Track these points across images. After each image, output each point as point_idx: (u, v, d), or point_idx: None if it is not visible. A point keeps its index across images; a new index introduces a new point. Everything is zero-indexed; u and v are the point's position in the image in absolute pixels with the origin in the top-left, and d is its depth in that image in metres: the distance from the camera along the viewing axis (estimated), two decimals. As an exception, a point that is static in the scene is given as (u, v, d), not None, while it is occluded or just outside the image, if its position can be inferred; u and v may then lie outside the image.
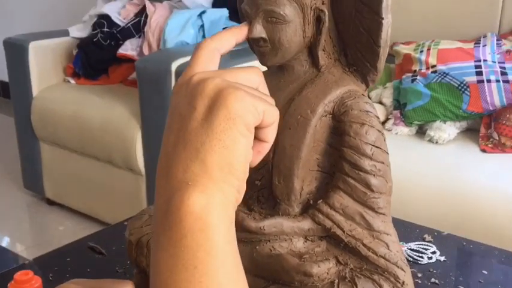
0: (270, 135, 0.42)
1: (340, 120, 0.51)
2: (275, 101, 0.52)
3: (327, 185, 0.53)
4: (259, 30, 0.50)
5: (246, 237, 0.53)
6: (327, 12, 0.51)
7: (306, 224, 0.52)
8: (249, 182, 0.55)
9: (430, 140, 1.63)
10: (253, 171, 0.55)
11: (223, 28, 1.71)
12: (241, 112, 0.38)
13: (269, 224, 0.51)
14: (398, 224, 0.87)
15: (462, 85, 1.62)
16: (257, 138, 0.42)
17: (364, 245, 0.50)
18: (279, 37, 0.50)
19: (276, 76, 0.55)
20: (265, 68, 0.57)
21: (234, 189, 0.38)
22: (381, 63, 0.51)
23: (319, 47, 0.52)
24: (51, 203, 2.37)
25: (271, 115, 0.41)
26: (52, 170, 2.29)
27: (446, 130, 1.61)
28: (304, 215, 0.52)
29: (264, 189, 0.55)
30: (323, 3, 0.51)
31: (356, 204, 0.50)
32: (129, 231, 0.60)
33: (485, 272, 0.76)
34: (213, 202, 0.36)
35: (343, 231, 0.51)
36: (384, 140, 0.51)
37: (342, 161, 0.51)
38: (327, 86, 0.52)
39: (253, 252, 0.52)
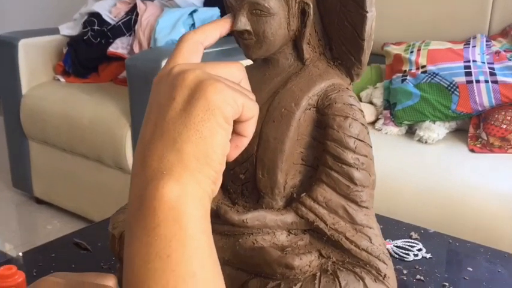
0: (249, 129, 0.42)
1: (324, 114, 0.51)
2: (259, 93, 0.52)
3: (310, 178, 0.53)
4: (244, 23, 0.50)
5: (228, 230, 0.53)
6: (311, 5, 0.51)
7: (289, 217, 0.52)
8: (233, 176, 0.55)
9: (420, 140, 1.63)
10: (238, 164, 0.55)
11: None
12: (220, 104, 0.38)
13: (252, 217, 0.51)
14: (385, 221, 0.88)
15: (451, 85, 1.63)
16: (236, 133, 0.42)
17: (346, 238, 0.50)
18: (264, 30, 0.50)
19: (260, 69, 0.55)
20: (249, 62, 0.57)
21: (210, 180, 0.38)
22: (365, 57, 0.51)
23: (303, 40, 0.52)
24: (39, 201, 2.35)
25: (250, 109, 0.41)
26: (41, 168, 2.27)
27: (436, 130, 1.61)
28: (288, 208, 0.52)
29: (248, 183, 0.54)
30: (308, -4, 0.51)
31: (339, 197, 0.50)
32: (112, 225, 0.60)
33: (471, 269, 0.77)
34: (187, 192, 0.36)
35: (326, 225, 0.51)
36: (368, 134, 0.51)
37: (325, 154, 0.51)
38: (311, 79, 0.52)
39: (235, 245, 0.52)
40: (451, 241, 0.85)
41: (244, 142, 0.43)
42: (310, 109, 0.52)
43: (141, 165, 0.38)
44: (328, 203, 0.50)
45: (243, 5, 0.50)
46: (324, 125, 0.51)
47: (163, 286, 0.34)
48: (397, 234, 0.85)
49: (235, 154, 0.43)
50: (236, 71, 0.43)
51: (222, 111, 0.38)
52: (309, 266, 0.49)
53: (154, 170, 0.37)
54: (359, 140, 0.50)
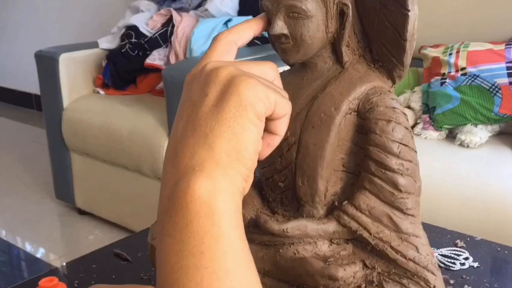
0: (281, 127, 0.42)
1: (366, 118, 0.49)
2: (298, 99, 0.51)
3: (352, 185, 0.51)
4: (281, 26, 0.49)
5: (269, 240, 0.51)
6: (350, 6, 0.49)
7: (331, 226, 0.50)
8: (272, 184, 0.54)
9: (461, 144, 1.58)
10: (276, 172, 0.53)
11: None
12: (253, 100, 0.38)
13: (293, 227, 0.50)
14: (429, 229, 0.84)
15: (493, 87, 1.57)
16: (267, 131, 0.41)
17: (392, 247, 0.48)
18: (301, 33, 0.49)
19: (298, 74, 0.53)
20: (286, 68, 0.56)
21: (241, 177, 0.38)
22: (408, 58, 0.49)
23: (343, 42, 0.50)
24: (81, 212, 2.39)
25: (283, 107, 0.40)
26: (82, 179, 2.31)
27: (478, 133, 1.56)
28: (329, 217, 0.51)
29: (288, 191, 0.53)
30: (346, -3, 0.49)
31: (383, 205, 0.48)
32: (151, 235, 0.59)
33: (522, 279, 0.73)
34: (219, 187, 0.36)
35: (370, 234, 0.48)
36: (412, 138, 0.49)
37: (367, 160, 0.49)
38: (351, 83, 0.50)
39: (276, 256, 0.51)
40: (499, 249, 0.81)
41: (276, 140, 0.42)
42: (350, 113, 0.50)
43: (172, 161, 0.38)
44: (372, 211, 0.48)
45: (280, 8, 0.49)
46: (365, 129, 0.49)
47: (197, 283, 0.33)
48: (441, 242, 0.82)
49: (267, 152, 0.42)
50: (269, 70, 0.43)
51: (254, 107, 0.38)
52: (353, 277, 0.47)
53: (186, 166, 0.37)
54: (403, 144, 0.48)
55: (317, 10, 0.49)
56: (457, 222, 1.29)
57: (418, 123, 1.71)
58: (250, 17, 2.11)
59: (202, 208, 0.35)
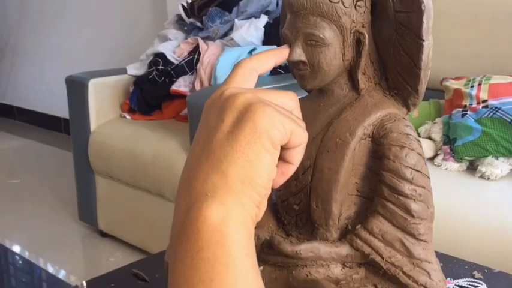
0: (296, 157, 0.42)
1: (380, 143, 0.50)
2: (314, 123, 0.52)
3: (366, 210, 0.51)
4: (299, 53, 0.51)
5: (282, 261, 0.52)
6: (366, 35, 0.51)
7: (344, 249, 0.50)
8: (287, 207, 0.55)
9: (482, 176, 1.57)
10: (291, 195, 0.54)
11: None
12: (268, 127, 0.38)
13: (306, 248, 0.50)
14: (446, 259, 0.84)
15: (515, 120, 1.56)
16: (283, 159, 0.41)
17: (404, 272, 0.48)
18: (319, 60, 0.51)
19: (315, 100, 0.55)
20: (304, 94, 0.57)
21: (254, 204, 0.38)
22: (422, 86, 0.51)
23: (359, 70, 0.52)
24: (103, 234, 2.42)
25: (299, 136, 0.40)
26: (106, 202, 2.34)
27: (499, 166, 1.55)
28: (342, 240, 0.51)
29: (302, 214, 0.54)
30: (363, 26, 0.51)
31: (396, 230, 0.49)
32: (168, 253, 0.61)
33: (542, 313, 0.72)
34: (231, 214, 0.36)
35: (382, 258, 0.49)
36: (425, 164, 0.50)
37: (381, 185, 0.49)
38: (367, 109, 0.51)
39: (289, 277, 0.51)
40: (518, 282, 0.80)
41: (290, 170, 0.42)
42: (365, 139, 0.51)
43: (185, 186, 0.38)
44: (384, 235, 0.49)
45: (298, 36, 0.50)
46: (379, 155, 0.50)
47: None
48: (458, 273, 0.81)
49: (281, 181, 0.42)
50: (289, 99, 0.43)
51: (270, 135, 0.38)
52: (364, 300, 0.48)
53: (199, 191, 0.37)
54: (416, 170, 0.49)
55: (334, 38, 0.50)
56: (475, 253, 1.26)
57: (439, 154, 1.70)
58: (274, 46, 2.15)
59: (214, 235, 0.35)
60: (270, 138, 0.38)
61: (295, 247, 0.50)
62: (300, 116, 0.44)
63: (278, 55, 0.49)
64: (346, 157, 0.51)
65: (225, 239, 0.35)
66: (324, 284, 0.49)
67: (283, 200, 0.55)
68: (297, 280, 0.51)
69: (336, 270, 0.51)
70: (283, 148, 0.40)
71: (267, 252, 0.52)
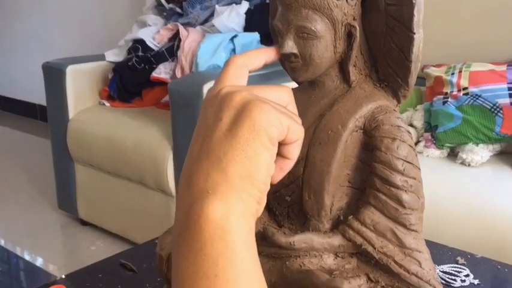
0: (294, 152, 0.43)
1: (371, 135, 0.51)
2: (306, 116, 0.53)
3: (357, 201, 0.52)
4: (291, 46, 0.51)
5: (275, 252, 0.53)
6: (358, 28, 0.51)
7: (336, 240, 0.51)
8: (279, 198, 0.55)
9: (462, 163, 1.60)
10: (284, 187, 0.55)
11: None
12: (266, 124, 0.39)
13: (299, 240, 0.51)
14: (430, 246, 0.85)
15: (495, 107, 1.59)
16: (280, 155, 0.42)
17: (395, 262, 0.49)
18: (310, 52, 0.51)
19: (307, 92, 0.55)
20: (295, 85, 0.57)
21: (254, 199, 0.39)
22: (412, 79, 0.51)
23: (350, 62, 0.52)
24: (84, 223, 2.40)
25: (295, 132, 0.41)
26: (86, 190, 2.33)
27: (479, 153, 1.58)
28: (335, 231, 0.52)
29: (294, 205, 0.55)
30: (354, 19, 0.51)
31: (387, 220, 0.50)
32: (159, 246, 0.61)
33: (523, 297, 0.74)
34: (232, 210, 0.37)
35: (374, 248, 0.50)
36: (416, 156, 0.51)
37: (373, 177, 0.50)
38: (358, 101, 0.52)
39: (283, 268, 0.52)
40: (499, 267, 0.82)
41: (288, 165, 0.43)
42: (357, 131, 0.52)
43: (186, 185, 0.39)
44: (376, 226, 0.50)
45: (290, 28, 0.51)
46: (371, 147, 0.51)
47: None
48: (442, 259, 0.83)
49: (279, 176, 0.43)
50: (283, 94, 0.44)
51: (267, 132, 0.39)
52: (358, 289, 0.49)
53: (200, 189, 0.38)
54: (407, 162, 0.49)
55: (326, 31, 0.50)
56: (458, 239, 1.29)
57: (420, 141, 1.73)
58: (256, 33, 2.15)
59: (216, 231, 0.36)
60: (267, 135, 0.39)
61: (289, 238, 0.51)
62: (296, 110, 0.45)
63: (268, 53, 0.50)
64: (338, 149, 0.51)
65: (228, 235, 0.36)
66: (318, 274, 0.50)
67: (275, 191, 0.55)
68: (290, 270, 0.52)
69: (329, 261, 0.52)
70: (281, 144, 0.41)
71: (260, 244, 0.53)
